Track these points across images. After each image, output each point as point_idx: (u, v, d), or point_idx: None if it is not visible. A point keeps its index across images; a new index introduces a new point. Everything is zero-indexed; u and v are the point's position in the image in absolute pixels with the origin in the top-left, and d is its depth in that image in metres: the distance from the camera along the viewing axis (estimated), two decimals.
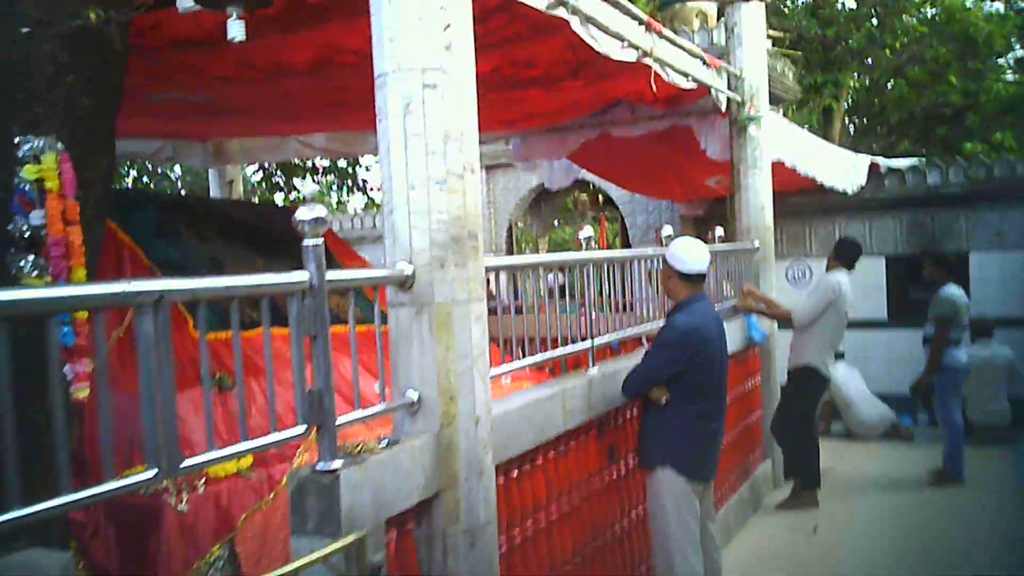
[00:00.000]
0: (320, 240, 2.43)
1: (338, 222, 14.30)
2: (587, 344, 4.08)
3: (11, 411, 1.65)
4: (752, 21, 7.39)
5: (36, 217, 2.95)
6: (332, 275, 2.51)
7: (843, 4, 14.05)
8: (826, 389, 6.66)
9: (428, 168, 2.78)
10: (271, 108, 6.60)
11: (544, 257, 3.54)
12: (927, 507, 6.71)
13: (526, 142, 8.49)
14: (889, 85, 15.47)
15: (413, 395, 2.83)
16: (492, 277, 6.40)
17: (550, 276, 5.06)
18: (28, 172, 2.91)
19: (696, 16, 10.36)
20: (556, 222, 14.78)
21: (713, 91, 6.73)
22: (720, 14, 8.99)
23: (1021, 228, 9.39)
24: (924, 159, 10.33)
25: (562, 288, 4.26)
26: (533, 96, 6.58)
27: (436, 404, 2.81)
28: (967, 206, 9.67)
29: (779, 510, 6.72)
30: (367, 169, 30.80)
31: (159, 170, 18.36)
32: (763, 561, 5.68)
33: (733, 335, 6.27)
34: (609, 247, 16.38)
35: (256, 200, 16.02)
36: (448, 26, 2.80)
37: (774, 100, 12.16)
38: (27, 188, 2.94)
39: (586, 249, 4.18)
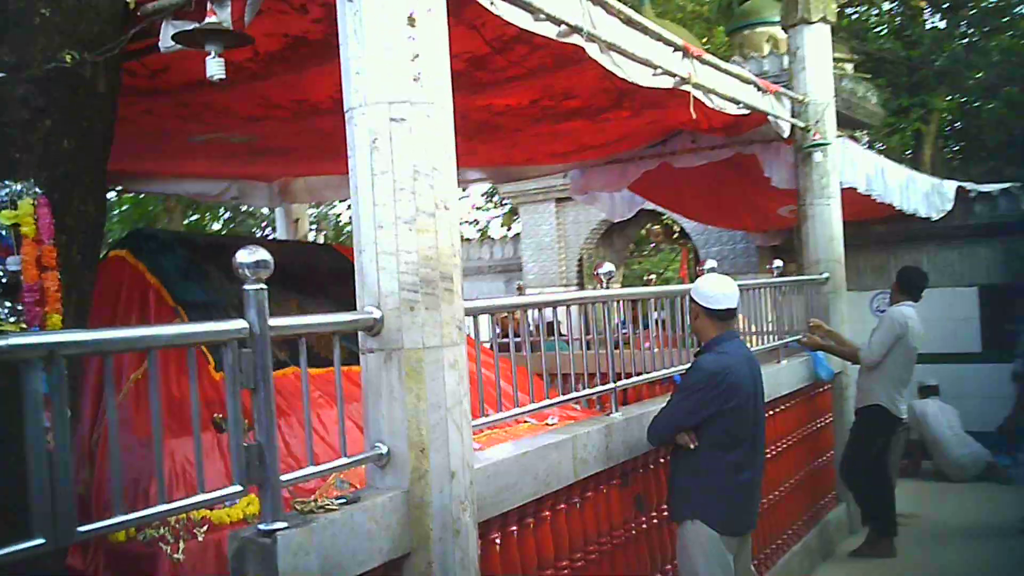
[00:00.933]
0: (261, 286, 2.27)
1: None
2: (596, 388, 3.84)
3: None
4: (816, 44, 7.06)
5: (12, 263, 2.90)
6: (280, 322, 2.35)
7: (931, 24, 13.42)
8: (898, 429, 6.19)
9: (396, 206, 2.62)
10: (314, 146, 6.58)
11: (532, 298, 3.33)
12: (1021, 556, 6.17)
13: (584, 174, 8.30)
14: (985, 107, 14.70)
15: (382, 448, 2.65)
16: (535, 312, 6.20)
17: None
18: (4, 217, 2.87)
19: (767, 41, 10.04)
20: (630, 254, 14.50)
21: (771, 118, 6.42)
22: None
23: None
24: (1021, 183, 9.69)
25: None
26: (581, 128, 6.40)
27: (406, 458, 2.62)
28: None
29: (852, 558, 6.28)
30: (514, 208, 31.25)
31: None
32: None
33: (796, 372, 5.92)
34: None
35: (321, 238, 16.19)
36: (416, 56, 2.65)
37: (857, 126, 11.75)
38: (3, 233, 2.89)
39: (606, 285, 3.95)
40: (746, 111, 5.86)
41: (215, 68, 3.09)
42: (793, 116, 6.95)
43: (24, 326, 2.91)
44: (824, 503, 6.57)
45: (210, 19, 3.02)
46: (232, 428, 2.29)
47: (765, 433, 3.97)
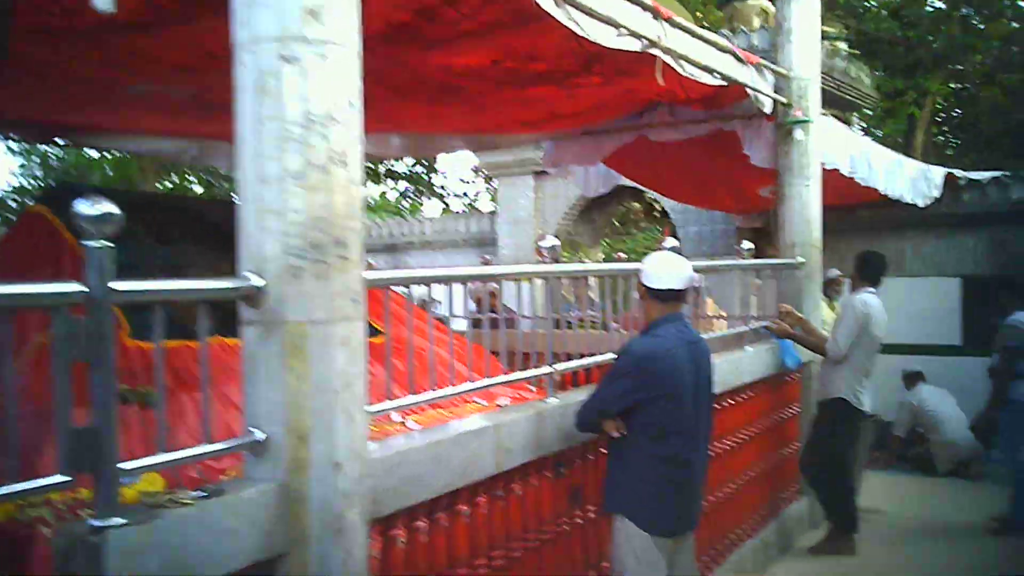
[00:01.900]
0: (102, 243, 1.95)
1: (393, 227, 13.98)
2: (528, 371, 3.53)
3: None
4: (804, 16, 6.72)
5: None
6: (128, 286, 2.03)
7: (930, 5, 13.01)
8: (861, 422, 5.91)
9: (283, 158, 2.29)
10: None
11: (456, 271, 3.00)
12: (984, 559, 5.92)
13: (558, 146, 7.93)
14: (983, 93, 14.33)
15: (257, 434, 2.34)
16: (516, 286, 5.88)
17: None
18: None
19: (757, 15, 9.66)
20: (611, 233, 14.18)
21: (751, 91, 6.08)
22: None
23: None
24: (1012, 172, 9.38)
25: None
26: (549, 94, 6.05)
27: (284, 446, 2.31)
28: None
29: (810, 554, 6.02)
30: (444, 175, 30.77)
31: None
32: None
33: (761, 360, 5.63)
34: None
35: None
36: None
37: (849, 107, 11.40)
38: None
39: (550, 260, 3.63)
40: (722, 82, 5.52)
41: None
42: (776, 92, 6.61)
43: None
44: (785, 496, 6.30)
45: None
46: (58, 411, 1.97)
47: (710, 425, 3.66)
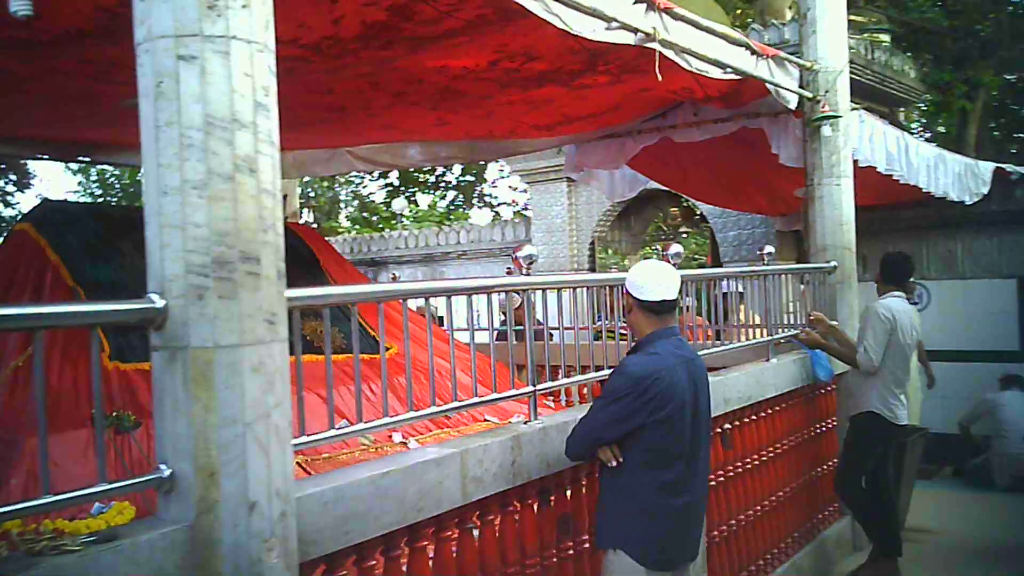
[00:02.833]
0: None
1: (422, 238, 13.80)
2: (509, 392, 3.26)
3: None
4: (829, 5, 6.35)
5: None
6: (10, 311, 1.83)
7: None
8: (900, 437, 5.51)
9: (183, 167, 2.07)
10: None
11: (400, 287, 2.73)
12: None
13: (580, 151, 7.68)
14: None
15: (164, 471, 2.12)
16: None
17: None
18: None
19: (789, 7, 9.28)
20: (650, 238, 13.81)
21: (771, 87, 5.75)
22: None
23: None
24: None
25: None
26: (557, 95, 5.80)
27: (192, 484, 2.08)
28: None
29: None
30: (493, 184, 30.66)
31: None
32: None
33: (787, 372, 5.28)
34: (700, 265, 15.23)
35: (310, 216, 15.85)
36: None
37: (893, 102, 10.92)
38: None
39: (525, 270, 3.37)
40: (735, 76, 5.20)
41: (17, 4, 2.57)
42: (803, 86, 6.26)
43: None
44: (823, 517, 5.92)
45: None
46: None
47: (709, 449, 3.36)
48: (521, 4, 3.47)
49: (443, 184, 29.77)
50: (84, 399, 3.86)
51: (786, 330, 5.66)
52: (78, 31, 3.82)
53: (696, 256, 16.44)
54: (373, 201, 28.17)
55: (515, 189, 28.25)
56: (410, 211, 26.16)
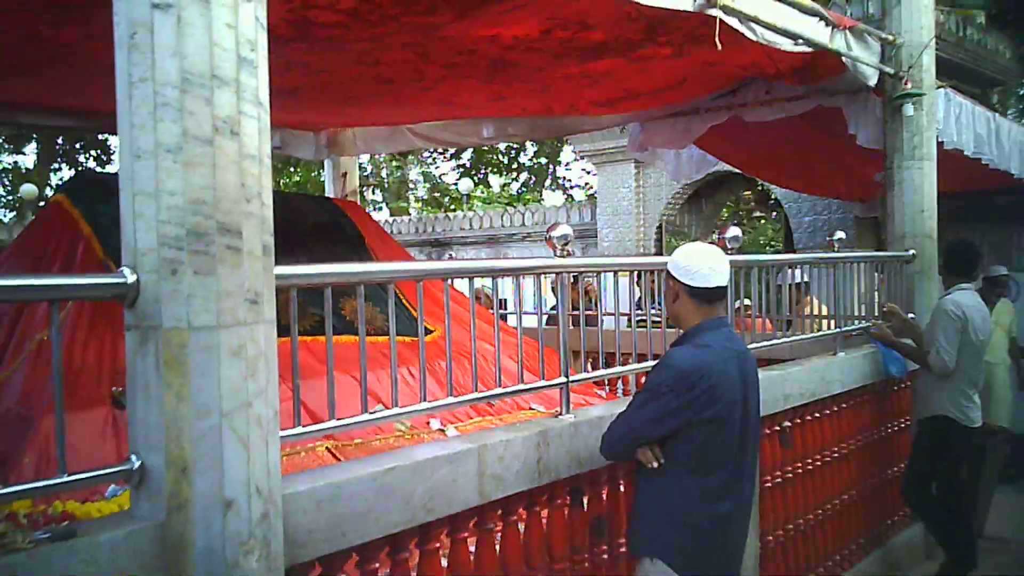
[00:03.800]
0: None
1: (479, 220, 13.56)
2: (536, 383, 3.01)
3: None
4: None
5: None
6: None
7: None
8: (975, 440, 5.09)
9: (157, 128, 1.87)
10: (330, 91, 5.92)
11: (389, 266, 2.48)
12: None
13: (644, 129, 7.34)
14: None
15: (133, 462, 1.93)
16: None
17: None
18: None
19: None
20: (722, 222, 13.33)
21: (848, 61, 5.34)
22: None
23: None
24: None
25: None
26: (617, 68, 5.49)
27: (163, 478, 1.89)
28: None
29: None
30: (567, 167, 30.28)
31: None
32: None
33: (856, 367, 4.92)
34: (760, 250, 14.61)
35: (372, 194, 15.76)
36: None
37: (987, 82, 10.30)
38: None
39: (560, 252, 3.11)
40: (806, 48, 4.83)
41: None
42: (884, 61, 5.83)
43: None
44: (893, 522, 5.53)
45: None
46: None
47: (758, 452, 3.06)
48: None
49: (516, 166, 29.55)
50: (107, 376, 3.74)
51: (856, 323, 5.27)
52: None
53: (773, 243, 15.93)
54: (444, 182, 28.07)
55: (588, 172, 27.88)
56: (480, 192, 25.99)
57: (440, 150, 28.18)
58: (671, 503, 2.85)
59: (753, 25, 4.31)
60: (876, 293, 5.70)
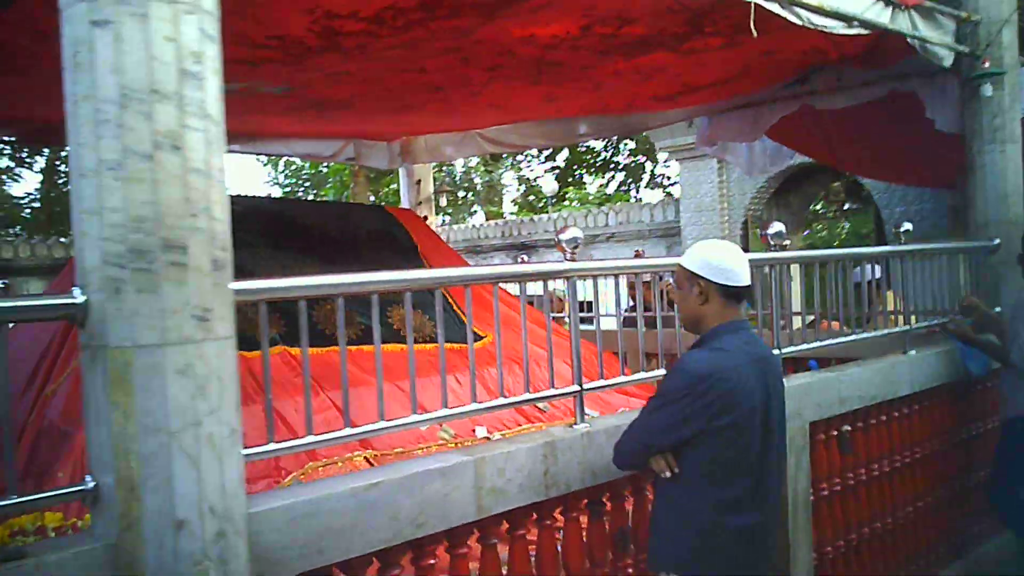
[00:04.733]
0: None
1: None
2: (548, 392, 2.89)
3: None
4: None
5: None
6: None
7: None
8: None
9: (99, 145, 1.86)
10: (384, 100, 5.93)
11: (342, 278, 2.38)
12: None
13: (712, 123, 7.11)
14: None
15: (89, 482, 1.93)
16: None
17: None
18: None
19: None
20: (814, 216, 12.81)
21: (915, 42, 5.03)
22: None
23: None
24: None
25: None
26: (668, 62, 5.32)
27: (114, 498, 1.88)
28: None
29: None
30: (665, 164, 29.84)
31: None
32: None
33: (928, 366, 4.63)
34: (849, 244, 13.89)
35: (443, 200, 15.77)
36: None
37: None
38: None
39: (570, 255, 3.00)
40: (862, 31, 4.56)
41: None
42: (960, 40, 5.47)
43: None
44: (977, 532, 5.17)
45: None
46: None
47: (784, 462, 2.88)
48: None
49: (612, 165, 29.27)
50: None
51: (931, 318, 4.95)
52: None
53: (869, 236, 15.25)
54: (538, 185, 28.02)
55: (668, 168, 27.39)
56: (575, 193, 25.83)
57: (535, 153, 28.21)
58: (687, 515, 2.71)
59: (797, 9, 4.09)
60: (957, 286, 5.35)
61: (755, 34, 3.79)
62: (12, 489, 1.89)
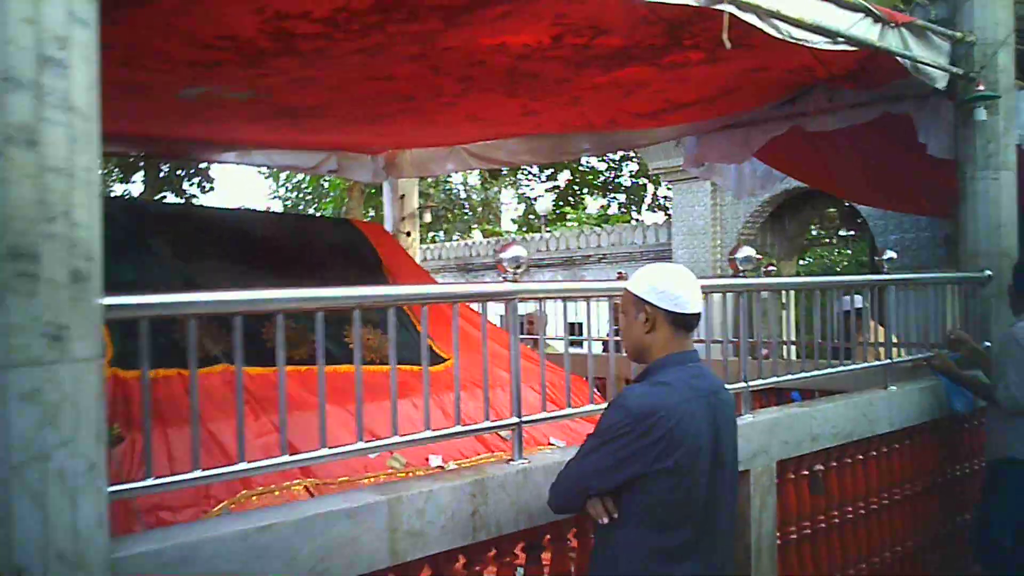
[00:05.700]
0: None
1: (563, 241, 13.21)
2: (485, 424, 2.66)
3: None
4: None
5: None
6: None
7: None
8: None
9: None
10: (354, 109, 5.72)
11: (241, 295, 2.16)
12: None
13: (700, 143, 6.90)
14: None
15: None
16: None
17: None
18: None
19: None
20: (809, 242, 12.58)
21: (905, 62, 4.82)
22: None
23: None
24: None
25: None
26: (648, 77, 5.11)
27: None
28: None
29: None
30: (668, 187, 29.70)
31: None
32: None
33: (909, 403, 4.39)
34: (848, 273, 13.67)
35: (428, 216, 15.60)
36: None
37: None
38: None
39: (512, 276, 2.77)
40: (848, 47, 4.35)
41: None
42: (955, 62, 5.26)
43: None
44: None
45: None
46: None
47: (735, 506, 2.64)
48: None
49: (613, 186, 29.06)
50: None
51: (916, 352, 4.71)
52: None
53: (863, 263, 14.99)
54: (535, 204, 27.86)
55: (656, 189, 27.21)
56: (573, 214, 25.65)
57: (536, 171, 28.04)
58: (626, 562, 2.45)
59: (775, 22, 3.88)
60: (944, 319, 5.11)
61: (728, 45, 3.57)
62: None
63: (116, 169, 24.86)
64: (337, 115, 5.86)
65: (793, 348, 4.44)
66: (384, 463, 4.12)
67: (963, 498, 4.89)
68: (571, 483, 2.53)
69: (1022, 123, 5.52)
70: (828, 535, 3.90)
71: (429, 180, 23.85)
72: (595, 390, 3.76)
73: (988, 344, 5.04)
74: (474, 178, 26.39)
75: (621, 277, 7.41)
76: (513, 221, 28.92)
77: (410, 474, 4.14)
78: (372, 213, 23.23)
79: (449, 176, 25.66)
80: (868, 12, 4.43)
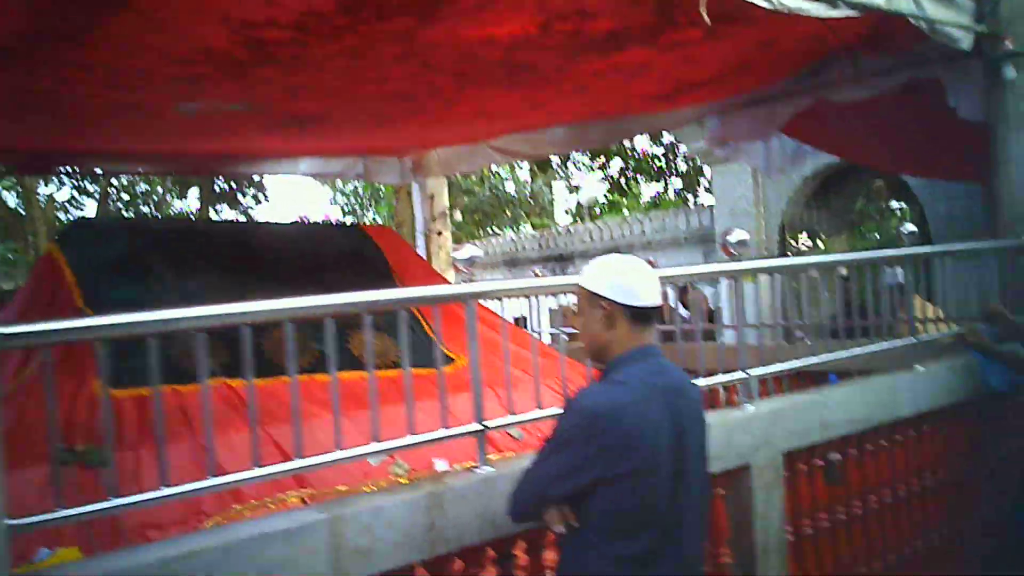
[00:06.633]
0: None
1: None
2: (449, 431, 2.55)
3: None
4: None
5: None
6: None
7: None
8: None
9: None
10: (359, 114, 5.67)
11: (159, 315, 2.06)
12: None
13: (723, 122, 6.68)
14: None
15: None
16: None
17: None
18: None
19: None
20: (858, 218, 12.15)
21: (920, 23, 4.55)
22: None
23: None
24: None
25: None
26: (649, 59, 4.96)
27: None
28: None
29: None
30: (709, 169, 29.09)
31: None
32: None
33: (937, 383, 4.15)
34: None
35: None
36: None
37: None
38: None
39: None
40: (851, 12, 4.12)
41: None
42: (979, 20, 4.97)
43: None
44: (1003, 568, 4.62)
45: None
46: None
47: (707, 509, 2.48)
48: None
49: (668, 171, 28.54)
50: (65, 428, 3.59)
51: (945, 328, 4.45)
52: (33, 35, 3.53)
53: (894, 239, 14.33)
54: (578, 193, 27.60)
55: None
56: (625, 202, 25.31)
57: (587, 161, 27.75)
58: (587, 572, 2.33)
59: None
60: (983, 292, 4.83)
61: (707, 21, 3.40)
62: None
63: (175, 186, 25.39)
64: (342, 120, 5.81)
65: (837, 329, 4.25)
66: (386, 470, 4.05)
67: (1003, 484, 4.60)
68: (528, 491, 2.41)
69: None
70: (849, 528, 3.70)
71: (473, 177, 23.81)
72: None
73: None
74: (524, 172, 26.24)
75: (651, 264, 7.24)
76: (567, 212, 28.70)
77: (413, 479, 4.06)
78: None
79: (495, 171, 25.58)
80: None
